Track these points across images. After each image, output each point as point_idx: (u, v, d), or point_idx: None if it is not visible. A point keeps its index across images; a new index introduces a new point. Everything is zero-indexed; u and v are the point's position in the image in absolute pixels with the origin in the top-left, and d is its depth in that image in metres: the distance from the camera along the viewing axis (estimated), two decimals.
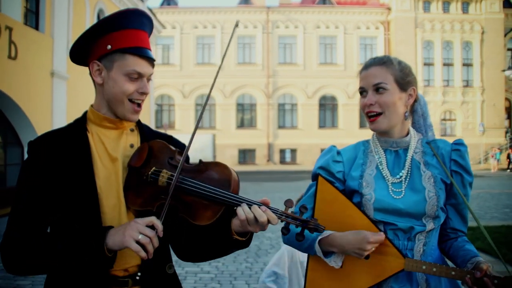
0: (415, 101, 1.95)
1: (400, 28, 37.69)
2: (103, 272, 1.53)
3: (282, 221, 1.51)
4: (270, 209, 1.50)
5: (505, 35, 38.83)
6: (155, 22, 20.85)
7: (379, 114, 1.85)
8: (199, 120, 1.62)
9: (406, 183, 1.84)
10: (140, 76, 1.61)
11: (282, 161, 37.93)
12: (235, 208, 1.53)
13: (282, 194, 16.61)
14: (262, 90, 37.92)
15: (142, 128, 1.76)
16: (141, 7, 18.60)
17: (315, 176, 1.94)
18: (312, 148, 37.45)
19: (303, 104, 38.14)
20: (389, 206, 1.81)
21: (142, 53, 1.60)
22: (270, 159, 37.63)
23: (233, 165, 34.46)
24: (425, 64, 38.07)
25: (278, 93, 38.27)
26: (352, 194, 1.91)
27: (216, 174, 1.56)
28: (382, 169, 1.89)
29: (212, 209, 1.52)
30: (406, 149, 1.90)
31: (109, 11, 16.42)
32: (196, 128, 1.59)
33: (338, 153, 2.00)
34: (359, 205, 1.85)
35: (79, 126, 1.65)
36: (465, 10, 38.51)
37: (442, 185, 1.82)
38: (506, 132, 37.94)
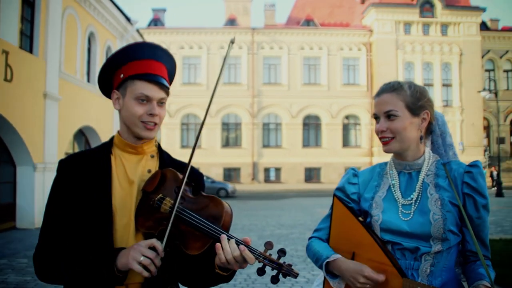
0: (430, 122, 1.97)
1: (381, 50, 38.45)
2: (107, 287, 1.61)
3: (259, 262, 1.55)
4: (249, 248, 1.54)
5: (482, 56, 39.86)
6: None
7: (391, 138, 1.89)
8: (196, 142, 1.71)
9: (416, 206, 1.86)
10: (148, 99, 1.70)
11: (267, 179, 38.11)
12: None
13: (267, 212, 16.90)
14: (247, 110, 38.29)
15: (162, 155, 1.86)
16: (130, 30, 19.06)
17: (333, 197, 2.03)
18: (296, 166, 37.82)
19: (287, 123, 38.55)
20: (395, 227, 1.85)
21: (150, 78, 1.69)
22: (255, 177, 37.80)
23: None
24: None
25: (263, 113, 38.64)
26: (366, 214, 1.97)
27: (210, 208, 1.63)
28: (395, 191, 1.92)
29: (202, 240, 1.58)
30: (419, 171, 1.93)
31: (99, 33, 16.83)
32: (193, 150, 1.68)
33: (355, 175, 2.06)
34: (369, 226, 1.91)
35: (105, 149, 1.78)
36: (444, 32, 39.47)
37: (451, 207, 1.82)
38: (485, 151, 38.75)
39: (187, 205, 1.64)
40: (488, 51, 40.50)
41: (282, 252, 1.53)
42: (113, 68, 1.73)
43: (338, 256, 1.86)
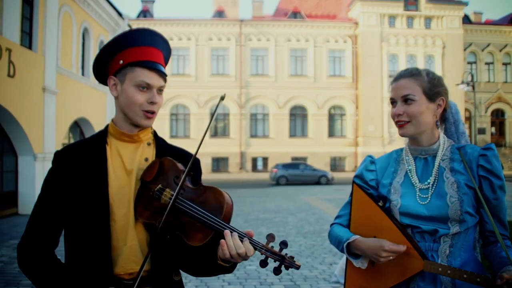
0: (445, 110, 2.02)
1: (367, 42, 39.18)
2: (108, 274, 1.60)
3: (261, 254, 1.57)
4: (251, 241, 1.56)
5: (465, 49, 40.82)
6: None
7: (407, 122, 1.93)
8: (204, 134, 1.71)
9: (433, 189, 1.90)
10: (149, 87, 1.67)
11: (254, 169, 38.70)
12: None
13: (253, 199, 17.77)
14: (235, 101, 38.87)
15: (158, 142, 1.83)
16: (122, 24, 19.77)
17: (352, 184, 2.09)
18: (283, 156, 38.43)
19: (274, 114, 39.20)
20: (414, 211, 1.88)
21: (151, 65, 1.67)
22: (243, 167, 38.38)
23: (207, 173, 35.54)
24: (390, 76, 39.23)
25: (251, 104, 39.25)
26: (384, 200, 2.01)
27: (211, 199, 1.62)
28: (412, 176, 1.96)
29: (203, 232, 1.57)
30: (435, 156, 1.96)
31: (93, 29, 17.55)
32: (201, 142, 1.72)
33: (372, 162, 2.11)
34: (388, 210, 1.96)
35: (100, 139, 1.74)
36: (427, 25, 40.31)
37: (467, 190, 1.86)
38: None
39: (187, 195, 1.63)
40: (471, 44, 41.41)
41: (284, 244, 1.56)
42: (111, 53, 1.70)
43: (357, 236, 1.92)
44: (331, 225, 2.11)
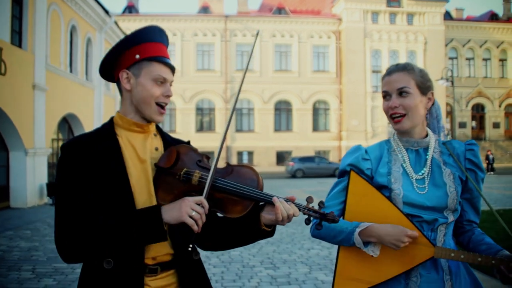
0: (433, 104, 2.07)
1: (350, 38, 39.72)
2: (138, 261, 1.65)
3: (304, 214, 1.68)
4: (295, 204, 1.68)
5: (446, 45, 41.60)
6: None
7: (403, 115, 1.95)
8: (228, 125, 1.79)
9: (428, 180, 1.94)
10: (164, 81, 1.77)
11: (240, 163, 38.60)
12: (260, 203, 1.71)
13: None
14: (220, 95, 39.20)
15: (163, 134, 1.94)
16: (109, 22, 20.12)
17: (342, 173, 2.07)
18: (268, 150, 39.01)
19: (259, 108, 39.61)
20: (415, 201, 1.91)
21: (166, 61, 1.78)
22: (228, 161, 38.58)
23: None
24: (373, 71, 40.10)
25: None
26: (379, 189, 1.99)
27: (244, 174, 1.73)
28: (406, 166, 1.99)
29: (242, 204, 1.67)
30: (425, 149, 2.01)
31: (80, 26, 17.88)
32: (226, 132, 1.79)
33: (366, 151, 2.10)
34: (389, 200, 1.95)
35: (108, 131, 1.79)
36: (409, 22, 40.93)
37: (459, 181, 1.94)
38: (447, 135, 40.47)
39: (219, 175, 1.72)
40: (452, 39, 42.18)
41: (322, 203, 1.69)
42: (124, 48, 1.77)
43: (369, 223, 1.89)
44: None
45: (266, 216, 1.69)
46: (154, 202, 1.72)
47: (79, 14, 17.70)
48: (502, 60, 43.11)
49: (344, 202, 2.01)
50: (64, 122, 17.64)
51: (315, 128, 40.60)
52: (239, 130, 39.78)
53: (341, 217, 1.99)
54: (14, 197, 13.16)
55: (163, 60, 1.77)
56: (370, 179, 2.03)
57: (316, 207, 1.69)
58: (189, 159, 1.78)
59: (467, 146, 2.01)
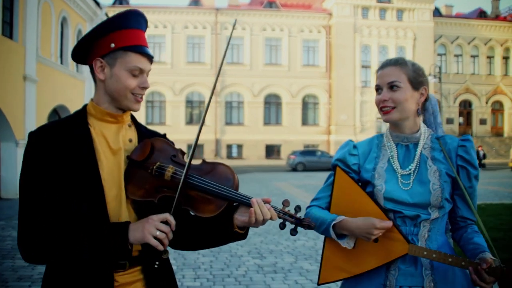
0: (426, 100, 2.06)
1: (340, 33, 40.09)
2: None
3: (279, 218, 1.64)
4: (272, 207, 1.62)
5: (435, 41, 42.07)
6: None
7: (392, 108, 1.97)
8: (202, 121, 1.73)
9: (414, 176, 1.95)
10: (141, 71, 1.68)
11: (229, 156, 39.38)
12: (234, 204, 1.65)
13: None
14: (210, 88, 38.92)
15: (138, 125, 1.84)
16: (100, 13, 20.14)
17: (333, 167, 2.09)
18: (257, 143, 39.29)
19: (249, 102, 39.91)
20: (397, 197, 1.93)
21: (143, 50, 1.67)
22: (218, 154, 38.95)
23: None
24: (363, 66, 40.64)
25: (226, 91, 39.84)
26: (365, 184, 2.04)
27: (219, 172, 1.67)
28: (393, 162, 2.00)
29: (215, 203, 1.61)
30: (416, 144, 2.01)
31: (71, 18, 17.91)
32: (201, 128, 1.71)
33: (355, 146, 2.12)
34: (371, 195, 1.98)
35: (80, 119, 1.70)
36: (399, 17, 41.40)
37: (447, 178, 1.93)
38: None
39: (194, 171, 1.66)
40: (441, 36, 42.69)
41: (298, 208, 1.63)
42: (99, 35, 1.66)
43: (343, 217, 1.93)
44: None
45: (240, 218, 1.64)
46: (123, 197, 1.65)
47: (70, 5, 17.73)
48: (490, 57, 43.69)
49: (330, 195, 2.05)
50: (54, 114, 17.71)
51: (304, 122, 40.94)
52: (228, 123, 40.02)
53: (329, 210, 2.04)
54: (4, 188, 13.27)
55: (140, 49, 1.67)
56: (357, 174, 2.07)
57: (292, 211, 1.65)
58: (163, 154, 1.72)
59: (460, 142, 1.99)
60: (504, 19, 44.41)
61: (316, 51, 41.21)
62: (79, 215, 1.57)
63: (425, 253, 1.83)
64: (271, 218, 1.61)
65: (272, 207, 1.63)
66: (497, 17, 44.90)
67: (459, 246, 2.02)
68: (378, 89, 2.00)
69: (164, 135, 1.88)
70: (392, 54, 40.59)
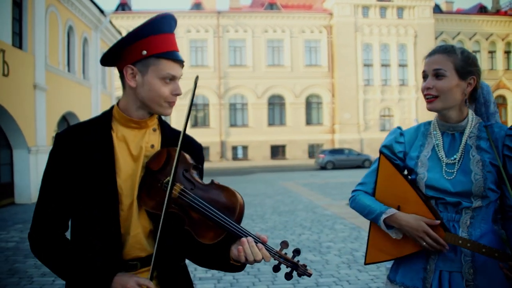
0: (475, 90, 2.01)
1: (341, 32, 40.32)
2: (115, 257, 1.59)
3: (275, 260, 1.56)
4: (265, 247, 1.54)
5: (436, 38, 42.17)
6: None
7: (435, 97, 1.93)
8: (186, 122, 1.63)
9: (459, 165, 1.93)
10: (173, 78, 1.64)
11: (235, 157, 39.68)
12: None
13: (233, 185, 18.60)
14: (214, 91, 39.68)
15: (164, 128, 1.79)
16: (104, 21, 20.59)
17: (379, 153, 2.09)
18: (262, 144, 39.54)
19: (253, 103, 40.16)
20: (439, 185, 1.92)
21: (175, 57, 1.63)
22: (223, 156, 39.28)
23: None
24: (365, 65, 40.82)
25: (230, 94, 40.12)
26: (410, 172, 2.05)
27: (224, 199, 1.59)
28: (439, 150, 1.98)
29: (215, 231, 1.55)
30: (462, 133, 1.98)
31: (77, 26, 18.35)
32: (185, 130, 1.64)
33: (402, 134, 2.11)
34: (414, 182, 2.00)
35: (104, 123, 1.68)
36: (400, 15, 41.54)
37: (491, 168, 1.89)
38: None
39: (198, 192, 1.60)
40: (442, 32, 42.75)
41: (296, 252, 1.58)
42: (130, 41, 1.62)
43: (394, 211, 1.95)
44: (354, 191, 2.16)
45: (234, 250, 1.58)
46: (136, 207, 1.63)
47: (75, 14, 18.17)
48: (491, 52, 43.79)
49: (375, 182, 2.08)
50: (64, 121, 18.14)
51: (308, 121, 41.17)
52: (233, 125, 40.28)
53: (374, 195, 2.08)
54: (18, 194, 13.70)
55: (172, 56, 1.63)
56: (403, 162, 2.08)
57: (290, 255, 1.58)
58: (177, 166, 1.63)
59: (508, 131, 1.93)
60: (505, 13, 44.52)
61: (318, 51, 41.47)
62: (91, 221, 1.59)
63: (460, 241, 1.84)
64: (264, 259, 1.54)
65: (267, 248, 1.56)
66: (497, 12, 45.06)
67: (507, 236, 1.96)
68: (425, 76, 1.99)
69: (191, 140, 1.84)
70: (393, 52, 40.90)
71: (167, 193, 1.54)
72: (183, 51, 39.28)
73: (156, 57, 1.61)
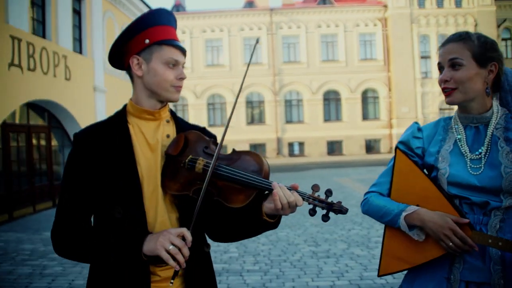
0: (499, 76, 1.85)
1: (396, 24, 39.36)
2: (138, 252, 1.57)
3: (309, 204, 1.59)
4: (298, 192, 1.59)
5: (498, 26, 40.53)
6: None
7: (454, 89, 1.80)
8: (229, 118, 1.71)
9: (485, 159, 1.77)
10: (176, 63, 1.72)
11: (291, 153, 39.58)
12: (266, 192, 1.62)
13: (289, 181, 18.52)
14: (269, 88, 39.79)
15: (177, 120, 1.87)
16: None
17: (395, 150, 1.95)
18: (318, 140, 39.31)
19: (308, 99, 39.93)
20: (464, 181, 1.76)
21: (176, 43, 1.72)
22: (280, 152, 39.25)
23: None
24: (422, 57, 39.68)
25: (285, 90, 40.10)
26: (430, 170, 1.90)
27: (248, 161, 1.64)
28: (461, 145, 1.84)
29: (245, 193, 1.59)
30: (487, 125, 1.83)
31: None
32: (228, 123, 1.72)
33: (419, 129, 1.98)
34: (435, 180, 1.84)
35: (120, 118, 1.76)
36: (458, 4, 40.04)
37: None
38: None
39: (224, 161, 1.65)
40: (505, 20, 40.90)
41: (329, 192, 1.60)
42: (132, 34, 1.72)
43: (415, 207, 1.79)
44: (366, 193, 2.01)
45: (267, 205, 1.62)
46: (160, 192, 1.69)
47: (130, 17, 18.82)
48: None
49: (391, 180, 1.93)
50: None
51: (365, 117, 40.54)
52: (289, 121, 40.22)
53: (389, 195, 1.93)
54: None
55: (173, 43, 1.73)
56: (421, 158, 1.94)
57: (323, 196, 1.61)
58: (196, 146, 1.72)
59: None
60: None
61: (373, 45, 40.77)
62: (115, 214, 1.63)
63: (490, 241, 1.66)
64: (296, 203, 1.58)
65: (299, 192, 1.60)
66: None
67: None
68: (440, 67, 1.87)
69: (203, 128, 1.91)
70: None
71: (211, 165, 1.60)
72: (237, 50, 39.68)
73: (158, 44, 1.71)
